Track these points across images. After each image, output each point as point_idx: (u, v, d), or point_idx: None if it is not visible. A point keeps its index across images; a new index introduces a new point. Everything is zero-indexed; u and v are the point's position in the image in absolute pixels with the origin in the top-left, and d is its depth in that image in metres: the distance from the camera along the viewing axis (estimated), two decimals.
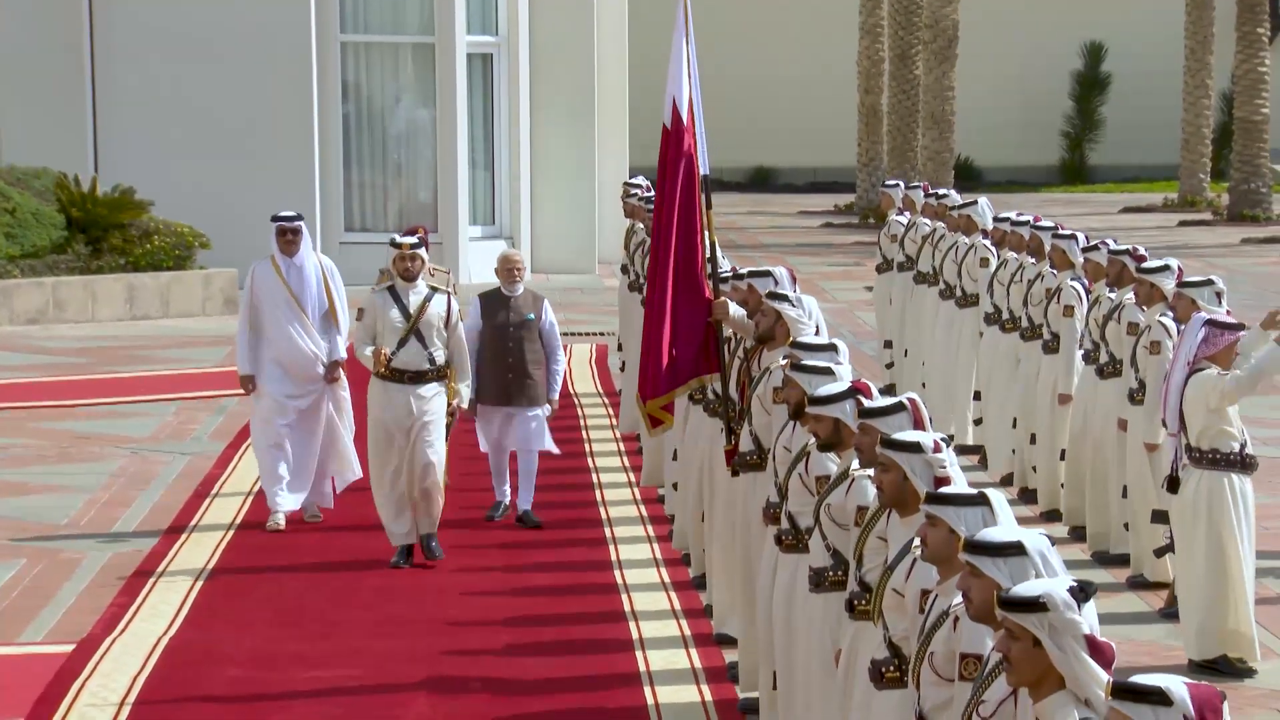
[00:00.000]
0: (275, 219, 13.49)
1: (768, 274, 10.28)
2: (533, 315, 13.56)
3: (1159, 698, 4.53)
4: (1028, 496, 14.27)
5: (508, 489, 13.75)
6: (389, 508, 12.58)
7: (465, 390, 12.75)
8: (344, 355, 13.54)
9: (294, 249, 13.37)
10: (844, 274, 27.02)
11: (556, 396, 13.64)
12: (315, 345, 13.40)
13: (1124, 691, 4.58)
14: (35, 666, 10.51)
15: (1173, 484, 10.77)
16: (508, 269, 13.65)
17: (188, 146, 25.61)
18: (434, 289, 12.63)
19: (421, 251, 12.60)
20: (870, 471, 7.39)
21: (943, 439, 6.91)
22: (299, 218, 13.49)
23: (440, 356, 12.57)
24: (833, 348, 8.79)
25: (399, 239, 12.65)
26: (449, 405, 12.77)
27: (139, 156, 25.36)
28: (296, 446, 13.41)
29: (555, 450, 13.84)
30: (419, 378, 12.50)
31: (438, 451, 12.52)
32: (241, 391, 13.67)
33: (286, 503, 13.41)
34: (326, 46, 26.06)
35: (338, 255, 25.29)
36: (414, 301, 12.52)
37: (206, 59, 25.76)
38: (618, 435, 16.60)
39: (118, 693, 10.11)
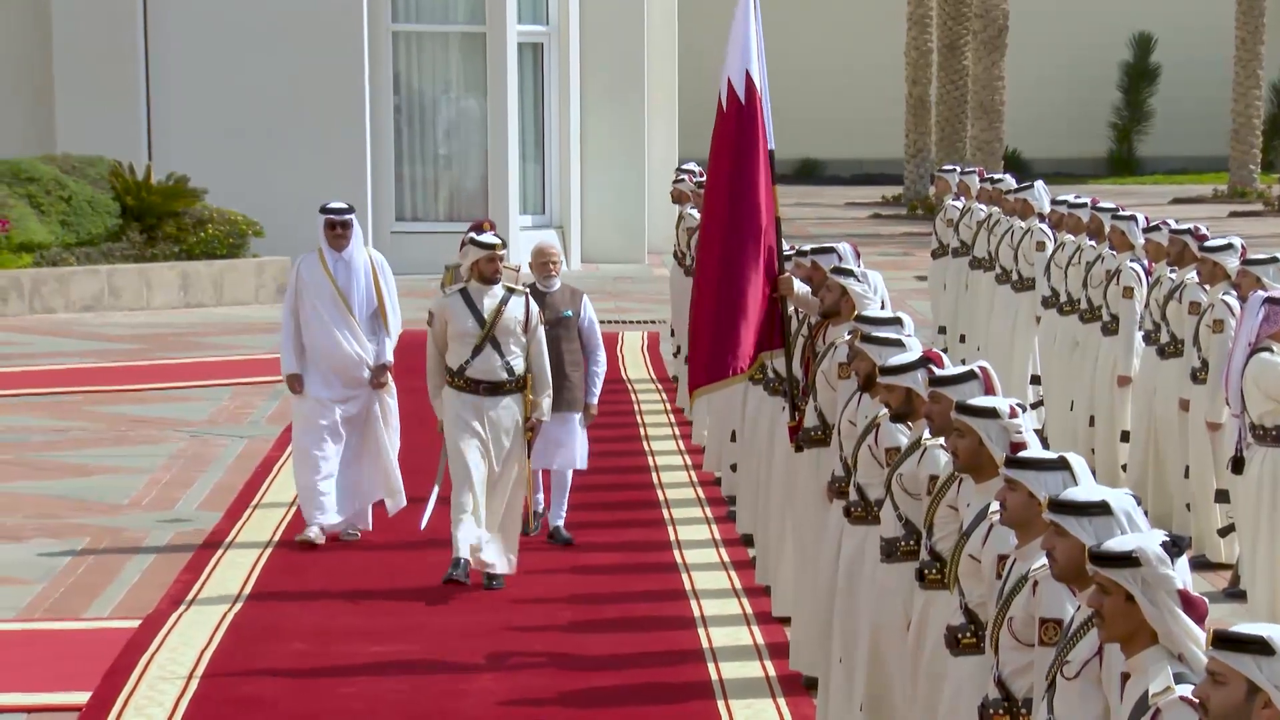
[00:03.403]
0: (324, 210, 12.50)
1: (831, 250, 10.30)
2: (570, 312, 12.43)
3: (1261, 647, 4.51)
4: None
5: (541, 498, 12.59)
6: (459, 523, 11.42)
7: (545, 402, 11.55)
8: (390, 359, 12.59)
9: (343, 243, 12.41)
10: (894, 264, 26.94)
11: (596, 401, 12.49)
12: (361, 347, 12.43)
13: (1224, 641, 4.56)
14: (103, 640, 10.57)
15: (1237, 464, 10.71)
16: (543, 262, 12.46)
17: (241, 135, 25.70)
18: (510, 290, 11.49)
19: (505, 251, 11.53)
20: (942, 441, 7.39)
21: (1018, 404, 6.90)
22: (350, 210, 12.53)
23: (518, 365, 11.41)
24: (898, 321, 8.79)
25: (479, 238, 11.50)
26: (528, 420, 11.53)
27: (192, 145, 25.46)
28: (338, 458, 12.42)
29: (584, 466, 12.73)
30: (495, 389, 11.38)
31: (519, 472, 11.51)
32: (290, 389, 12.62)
33: (325, 519, 12.46)
34: (378, 35, 26.15)
35: (389, 244, 25.42)
36: (488, 305, 11.37)
37: (259, 48, 25.85)
38: (672, 420, 16.60)
39: (186, 666, 10.17)
